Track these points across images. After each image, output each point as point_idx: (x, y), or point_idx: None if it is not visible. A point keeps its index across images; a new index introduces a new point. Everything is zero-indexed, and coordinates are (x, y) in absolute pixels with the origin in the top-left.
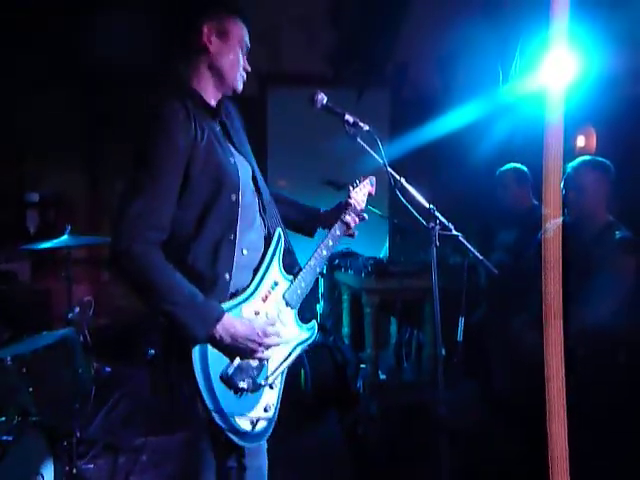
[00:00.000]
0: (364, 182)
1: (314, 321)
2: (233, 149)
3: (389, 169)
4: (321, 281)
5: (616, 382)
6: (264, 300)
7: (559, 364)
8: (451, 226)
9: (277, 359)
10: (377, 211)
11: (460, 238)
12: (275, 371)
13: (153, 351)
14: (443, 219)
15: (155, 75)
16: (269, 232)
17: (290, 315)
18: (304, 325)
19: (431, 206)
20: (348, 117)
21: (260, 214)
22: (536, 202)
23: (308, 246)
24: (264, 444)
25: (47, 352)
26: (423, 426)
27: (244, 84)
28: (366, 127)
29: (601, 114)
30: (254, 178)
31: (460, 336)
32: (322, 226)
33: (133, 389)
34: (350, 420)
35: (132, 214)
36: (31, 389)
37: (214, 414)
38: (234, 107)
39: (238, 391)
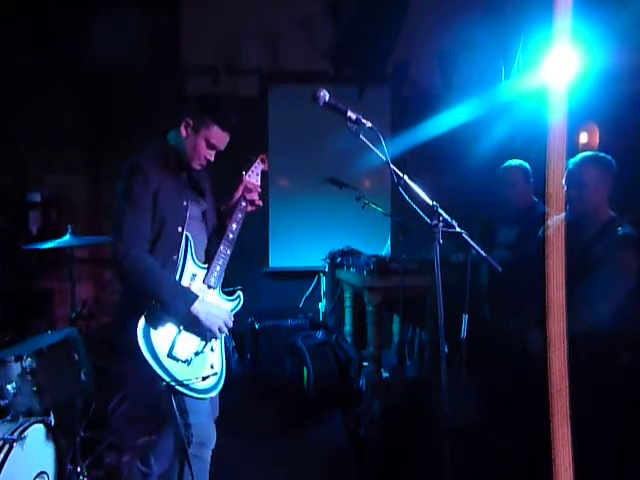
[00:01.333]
0: (254, 165)
1: (239, 291)
2: (192, 195)
3: (392, 166)
4: (323, 279)
5: (619, 379)
6: None
7: (561, 361)
8: (454, 223)
9: None
10: (379, 208)
11: (464, 235)
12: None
13: None
14: (446, 216)
15: (156, 78)
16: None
17: (214, 294)
18: (229, 297)
19: (434, 203)
20: (350, 114)
21: (207, 236)
22: (536, 199)
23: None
24: (206, 405)
25: (50, 352)
26: (426, 424)
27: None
28: (369, 124)
29: (604, 110)
30: (204, 213)
31: (464, 334)
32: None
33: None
34: (353, 418)
35: (125, 231)
36: (34, 389)
37: (173, 384)
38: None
39: (185, 361)
